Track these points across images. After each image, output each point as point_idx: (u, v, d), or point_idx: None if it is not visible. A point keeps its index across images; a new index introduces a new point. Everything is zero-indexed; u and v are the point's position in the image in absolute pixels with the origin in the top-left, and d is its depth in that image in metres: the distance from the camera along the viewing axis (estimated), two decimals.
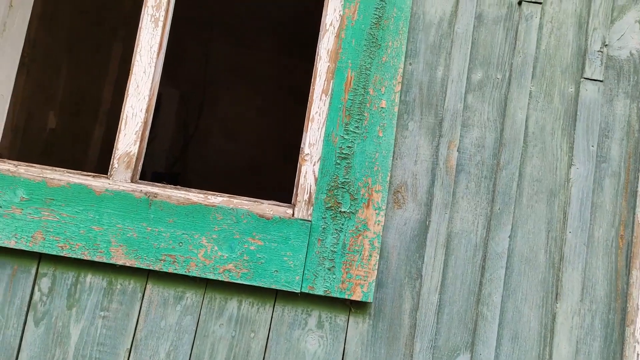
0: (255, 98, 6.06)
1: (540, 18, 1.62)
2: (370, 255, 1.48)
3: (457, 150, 1.57)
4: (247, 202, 1.53)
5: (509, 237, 1.51)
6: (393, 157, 1.56)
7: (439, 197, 1.54)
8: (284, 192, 5.71)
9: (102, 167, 5.32)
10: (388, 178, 1.52)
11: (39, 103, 4.17)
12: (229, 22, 5.93)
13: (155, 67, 1.57)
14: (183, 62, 6.31)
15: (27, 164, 1.52)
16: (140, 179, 6.39)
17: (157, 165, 6.24)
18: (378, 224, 1.50)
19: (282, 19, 5.41)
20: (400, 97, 1.58)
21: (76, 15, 4.56)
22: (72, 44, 4.53)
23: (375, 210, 1.50)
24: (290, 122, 5.81)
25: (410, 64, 1.60)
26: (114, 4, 5.13)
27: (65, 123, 4.62)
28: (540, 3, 1.61)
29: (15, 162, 1.51)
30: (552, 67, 1.61)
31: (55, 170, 1.51)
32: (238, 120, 6.09)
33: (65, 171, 1.51)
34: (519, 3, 1.62)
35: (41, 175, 1.48)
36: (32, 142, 4.21)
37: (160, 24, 1.58)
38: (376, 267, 1.48)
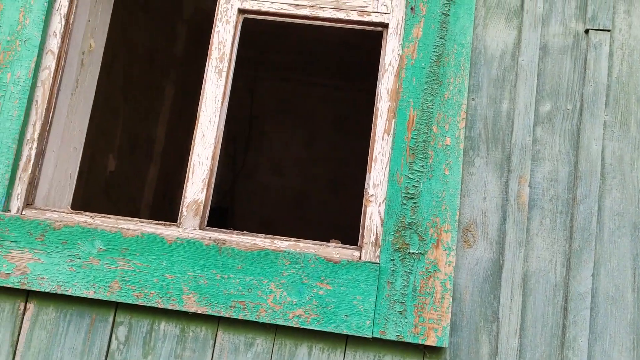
0: (301, 131, 6.12)
1: (610, 45, 1.56)
2: (443, 298, 1.44)
3: (529, 186, 1.51)
4: (313, 245, 1.52)
5: (592, 275, 1.44)
6: (460, 194, 1.52)
7: (511, 235, 1.49)
8: (332, 224, 5.70)
9: (156, 204, 5.48)
10: (457, 217, 1.48)
11: (100, 147, 4.35)
12: (275, 59, 6.06)
13: (219, 115, 1.61)
14: (230, 99, 6.46)
15: (102, 215, 1.57)
16: None
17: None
18: (449, 265, 1.46)
19: (328, 53, 5.48)
20: (465, 133, 1.55)
21: (131, 60, 4.77)
22: (128, 88, 4.73)
23: (445, 250, 1.46)
24: (337, 154, 5.82)
25: (473, 99, 1.57)
26: (165, 47, 5.34)
27: (123, 164, 4.80)
28: (608, 30, 1.56)
29: (92, 214, 1.57)
30: (627, 94, 1.54)
31: (129, 220, 1.56)
32: (284, 154, 6.16)
33: (138, 221, 1.56)
34: (586, 31, 1.57)
35: (116, 225, 1.53)
36: (94, 185, 4.39)
37: (224, 74, 1.62)
38: (449, 310, 1.43)
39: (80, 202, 4.27)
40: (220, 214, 6.40)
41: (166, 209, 5.88)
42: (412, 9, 1.59)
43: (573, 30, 1.60)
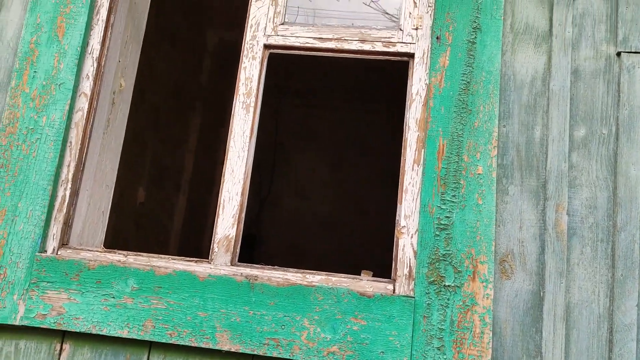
0: (326, 155, 6.13)
1: None
2: (482, 332, 1.40)
3: (567, 214, 1.47)
4: (345, 279, 1.50)
5: (637, 305, 1.38)
6: (495, 224, 1.49)
7: (551, 265, 1.44)
8: (361, 247, 5.65)
9: (185, 233, 5.51)
10: (493, 247, 1.44)
11: (129, 179, 4.41)
12: (298, 87, 6.11)
13: (248, 150, 1.61)
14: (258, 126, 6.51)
15: (135, 253, 1.58)
16: None
17: None
18: (487, 298, 1.42)
19: (352, 77, 5.50)
20: (497, 161, 1.52)
21: (158, 93, 4.86)
22: (156, 120, 4.82)
23: (483, 282, 1.43)
24: (363, 177, 5.79)
25: (504, 126, 1.55)
26: (191, 78, 5.43)
27: (152, 195, 4.86)
28: None
29: (125, 252, 1.58)
30: None
31: (161, 257, 1.56)
32: (310, 179, 6.16)
33: (171, 258, 1.56)
34: (618, 54, 1.54)
35: (149, 263, 1.53)
36: (124, 216, 4.44)
37: (251, 109, 1.63)
38: (490, 345, 1.39)
39: (112, 234, 4.33)
40: (248, 242, 6.41)
41: (195, 237, 5.92)
42: (437, 38, 1.58)
43: (604, 53, 1.56)
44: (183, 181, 5.59)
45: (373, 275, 1.56)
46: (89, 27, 1.69)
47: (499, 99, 1.54)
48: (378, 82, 5.48)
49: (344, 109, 6.04)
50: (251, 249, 6.36)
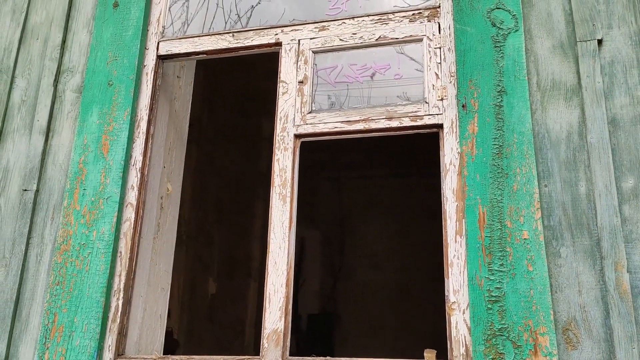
0: (392, 223, 6.05)
1: None
2: None
3: (627, 271, 1.37)
4: None
5: None
6: (552, 290, 1.40)
7: (619, 330, 1.33)
8: (436, 314, 5.42)
9: (261, 322, 5.47)
10: (551, 316, 1.35)
11: (199, 273, 4.50)
12: (356, 158, 6.17)
13: (288, 241, 1.62)
14: (319, 203, 6.58)
15: (188, 356, 1.58)
16: (295, 322, 6.46)
17: (310, 307, 6.31)
18: None
19: (406, 144, 5.50)
20: (543, 223, 1.45)
21: (221, 186, 5.02)
22: (220, 211, 4.95)
23: (546, 356, 1.33)
24: (433, 240, 5.65)
25: (546, 185, 1.49)
26: (250, 167, 5.59)
27: (223, 286, 4.91)
28: None
29: (178, 357, 1.59)
30: None
31: (213, 358, 1.56)
32: (379, 248, 6.07)
33: (223, 358, 1.55)
34: None
35: None
36: (196, 310, 4.50)
37: (288, 199, 1.65)
38: None
39: (186, 333, 4.38)
40: (325, 320, 6.31)
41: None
42: (463, 106, 1.57)
43: None
44: (253, 269, 5.65)
45: (437, 354, 1.49)
46: (130, 140, 1.79)
47: (534, 158, 1.49)
48: (432, 146, 5.46)
49: (403, 175, 6.04)
50: (329, 328, 6.25)
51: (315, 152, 6.20)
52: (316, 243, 6.64)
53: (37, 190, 1.83)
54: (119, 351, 1.63)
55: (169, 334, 3.94)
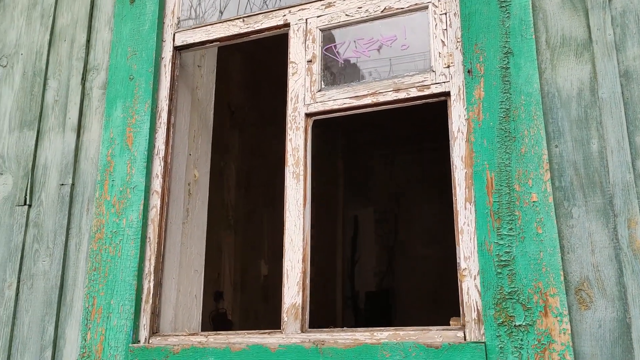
0: (444, 196, 5.97)
1: None
2: None
3: None
4: (413, 332, 1.46)
5: None
6: (563, 251, 1.38)
7: (633, 287, 1.30)
8: None
9: (314, 299, 5.57)
10: (561, 277, 1.34)
11: (250, 255, 4.63)
12: (408, 134, 6.12)
13: (303, 218, 1.66)
14: (372, 182, 6.58)
15: (215, 332, 1.67)
16: (353, 300, 6.50)
17: (368, 285, 6.37)
18: (564, 333, 1.30)
19: None
20: (554, 184, 1.43)
21: (267, 169, 5.11)
22: (268, 195, 5.04)
23: (557, 317, 1.32)
24: None
25: (556, 146, 1.46)
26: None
27: (276, 267, 5.03)
28: None
29: (206, 333, 1.67)
30: None
31: (238, 334, 1.63)
32: (434, 224, 6.02)
33: (246, 333, 1.62)
34: None
35: (226, 341, 1.61)
36: (251, 292, 4.64)
37: (301, 178, 1.69)
38: None
39: (241, 310, 4.52)
40: (383, 297, 6.36)
41: (324, 302, 5.99)
42: (469, 71, 1.56)
43: None
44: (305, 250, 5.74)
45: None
46: (152, 131, 1.88)
47: (543, 120, 1.46)
48: None
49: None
50: (388, 305, 6.30)
51: (366, 130, 6.21)
52: (370, 221, 6.67)
53: (73, 184, 1.95)
54: (154, 329, 1.73)
55: (223, 315, 4.11)
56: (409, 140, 6.24)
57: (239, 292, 4.39)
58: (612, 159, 1.39)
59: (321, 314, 5.68)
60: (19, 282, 1.92)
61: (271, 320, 4.97)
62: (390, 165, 6.55)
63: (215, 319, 3.96)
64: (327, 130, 5.84)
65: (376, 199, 6.56)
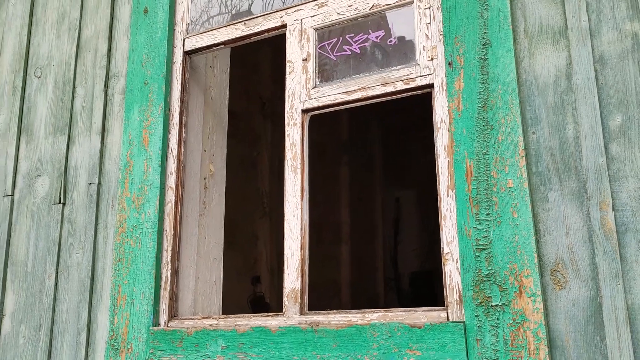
0: None
1: None
2: (537, 348, 1.35)
3: (613, 210, 1.38)
4: (401, 313, 1.56)
5: None
6: (539, 234, 1.44)
7: (604, 268, 1.35)
8: None
9: (354, 282, 5.70)
10: (535, 260, 1.40)
11: None
12: None
13: (301, 208, 1.78)
14: (411, 164, 6.62)
15: (225, 316, 1.82)
16: (397, 281, 6.56)
17: (411, 267, 6.43)
18: (537, 312, 1.37)
19: None
20: (531, 170, 1.48)
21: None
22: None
23: (530, 297, 1.39)
24: None
25: (534, 132, 1.51)
26: (333, 136, 5.75)
27: (312, 251, 5.18)
28: None
29: (217, 317, 1.83)
30: None
31: (245, 317, 1.78)
32: None
33: (252, 316, 1.77)
34: None
35: (233, 324, 1.76)
36: None
37: (299, 171, 1.81)
38: None
39: (278, 293, 4.70)
40: (427, 278, 6.43)
41: (366, 285, 6.12)
42: (449, 64, 1.62)
43: (630, 32, 1.46)
44: (343, 233, 5.87)
45: None
46: (166, 132, 2.04)
47: (519, 108, 1.51)
48: None
49: None
50: (430, 285, 6.36)
51: (401, 113, 6.24)
52: (411, 202, 6.72)
53: (99, 183, 2.14)
54: (172, 314, 1.90)
55: (260, 298, 4.30)
56: None
57: (276, 276, 4.57)
58: (585, 144, 1.44)
59: (361, 296, 5.82)
60: (57, 273, 2.13)
61: (311, 302, 5.15)
62: (427, 146, 6.55)
63: (254, 302, 4.16)
64: (360, 114, 5.91)
65: (417, 180, 6.60)
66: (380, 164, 6.62)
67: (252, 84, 4.67)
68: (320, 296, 5.38)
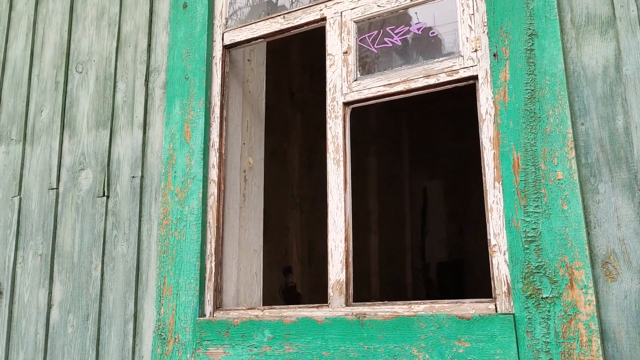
0: None
1: None
2: (590, 340, 1.35)
3: None
4: (447, 305, 1.57)
5: None
6: (590, 226, 1.44)
7: None
8: None
9: (382, 271, 5.70)
10: (586, 252, 1.40)
11: (316, 231, 4.82)
12: (470, 105, 6.04)
13: (344, 200, 1.79)
14: (439, 154, 6.58)
15: (270, 307, 1.85)
16: (425, 271, 6.56)
17: (438, 256, 6.42)
18: (589, 304, 1.37)
19: None
20: (580, 161, 1.47)
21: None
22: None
23: (582, 289, 1.38)
24: None
25: (582, 124, 1.50)
26: (362, 124, 5.74)
27: None
28: None
29: (262, 307, 1.86)
30: None
31: (289, 307, 1.80)
32: None
33: (297, 307, 1.79)
34: None
35: (279, 315, 1.79)
36: (318, 266, 4.84)
37: (342, 163, 1.82)
38: (600, 353, 1.34)
39: (309, 283, 4.74)
40: (455, 267, 6.41)
41: (396, 274, 6.13)
42: (494, 55, 1.61)
43: None
44: (372, 222, 5.88)
45: None
46: (207, 125, 2.06)
47: (568, 99, 1.50)
48: None
49: None
50: (459, 275, 6.35)
51: (430, 102, 6.20)
52: (439, 192, 6.70)
53: (142, 176, 2.18)
54: (217, 304, 1.94)
55: (292, 289, 4.34)
56: (470, 111, 6.17)
57: (307, 266, 4.60)
58: (636, 135, 1.42)
59: (389, 286, 5.83)
60: (102, 264, 2.18)
61: None
62: (457, 136, 6.51)
63: (285, 292, 4.20)
64: (388, 104, 5.89)
65: (444, 170, 6.57)
66: (408, 153, 6.60)
67: (281, 75, 4.69)
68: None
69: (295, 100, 4.88)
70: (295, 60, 4.92)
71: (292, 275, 4.35)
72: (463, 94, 5.72)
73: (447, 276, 6.43)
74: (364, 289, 5.68)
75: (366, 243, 5.82)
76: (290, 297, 4.15)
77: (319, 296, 4.69)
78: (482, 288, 5.89)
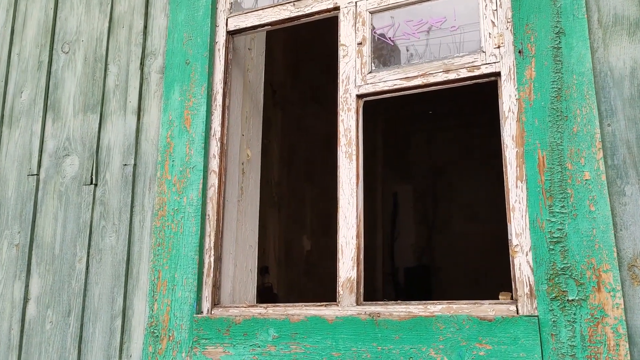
0: (488, 172, 5.95)
1: None
2: (618, 345, 1.32)
3: None
4: (466, 305, 1.52)
5: None
6: (616, 228, 1.41)
7: None
8: None
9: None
10: (614, 254, 1.37)
11: (293, 231, 4.74)
12: (449, 110, 6.08)
13: (356, 196, 1.73)
14: (411, 158, 6.59)
15: (274, 305, 1.76)
16: (393, 275, 6.54)
17: (407, 260, 6.43)
18: (617, 307, 1.34)
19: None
20: (606, 162, 1.45)
21: (309, 146, 5.18)
22: (310, 171, 5.13)
23: (610, 292, 1.36)
24: None
25: (609, 124, 1.48)
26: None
27: (318, 242, 5.13)
28: None
29: (265, 305, 1.77)
30: None
31: (295, 306, 1.72)
32: (475, 199, 6.01)
33: (303, 305, 1.71)
34: None
35: (284, 313, 1.70)
36: (293, 267, 4.76)
37: (354, 157, 1.75)
38: (628, 357, 1.31)
39: (285, 283, 4.65)
40: (422, 272, 6.42)
41: (367, 279, 6.08)
42: (520, 52, 1.58)
43: None
44: None
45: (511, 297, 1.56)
46: (209, 113, 1.96)
47: (595, 99, 1.48)
48: None
49: (498, 123, 5.91)
50: (427, 280, 6.35)
51: (407, 106, 6.19)
52: (409, 197, 6.70)
53: (135, 164, 2.06)
54: (215, 301, 1.84)
55: (269, 289, 4.24)
56: (449, 115, 6.21)
57: (283, 267, 4.51)
58: None
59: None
60: (88, 256, 2.05)
61: (316, 293, 5.10)
62: (430, 141, 6.54)
63: (262, 293, 4.09)
64: (365, 105, 5.85)
65: (415, 175, 6.58)
66: (382, 156, 6.59)
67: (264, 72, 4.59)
68: (323, 288, 5.35)
69: (276, 98, 4.80)
70: (278, 57, 4.83)
71: (269, 275, 4.26)
72: (438, 98, 5.75)
73: (414, 281, 6.44)
74: (333, 291, 5.60)
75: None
76: (266, 297, 4.06)
77: (294, 298, 4.60)
78: (449, 294, 5.91)
